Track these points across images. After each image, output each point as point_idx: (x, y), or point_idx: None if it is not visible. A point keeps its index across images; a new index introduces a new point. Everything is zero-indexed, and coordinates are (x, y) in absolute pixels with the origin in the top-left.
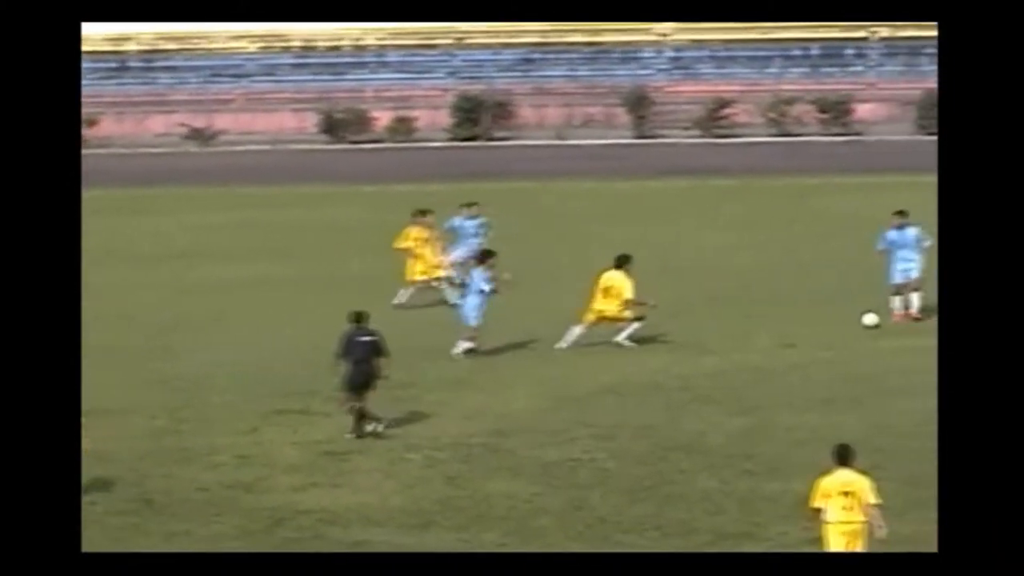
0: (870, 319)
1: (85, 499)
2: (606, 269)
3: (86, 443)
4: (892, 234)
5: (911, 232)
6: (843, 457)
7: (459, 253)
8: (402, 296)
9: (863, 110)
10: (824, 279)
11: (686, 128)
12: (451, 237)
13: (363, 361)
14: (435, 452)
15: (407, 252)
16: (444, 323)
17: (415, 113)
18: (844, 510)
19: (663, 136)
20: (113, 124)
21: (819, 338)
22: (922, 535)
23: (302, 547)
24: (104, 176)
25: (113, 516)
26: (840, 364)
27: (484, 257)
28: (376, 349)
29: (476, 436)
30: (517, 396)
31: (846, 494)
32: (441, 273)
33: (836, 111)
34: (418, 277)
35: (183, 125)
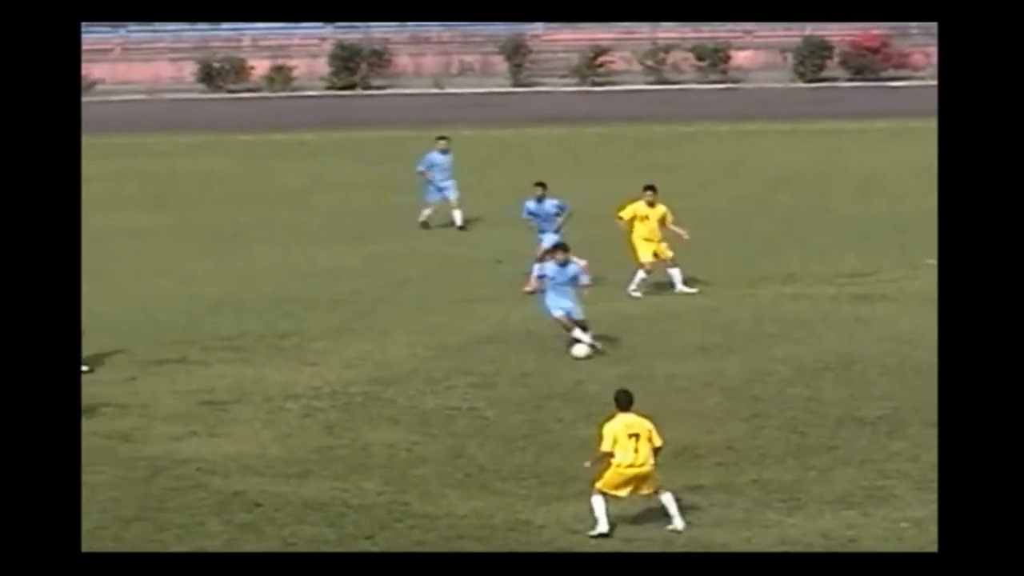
0: (580, 351)
1: None
2: (632, 200)
3: None
4: (531, 205)
5: (549, 204)
6: (625, 402)
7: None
8: None
9: (740, 57)
10: (700, 226)
11: (563, 76)
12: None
13: None
14: (314, 401)
15: None
16: (324, 273)
17: (293, 62)
18: (634, 453)
19: (540, 84)
20: None
21: (695, 285)
22: (804, 482)
23: (181, 496)
24: None
25: None
26: (716, 311)
27: (556, 250)
28: None
29: (355, 385)
30: (397, 344)
31: (632, 436)
32: None
33: (713, 59)
34: None
35: None
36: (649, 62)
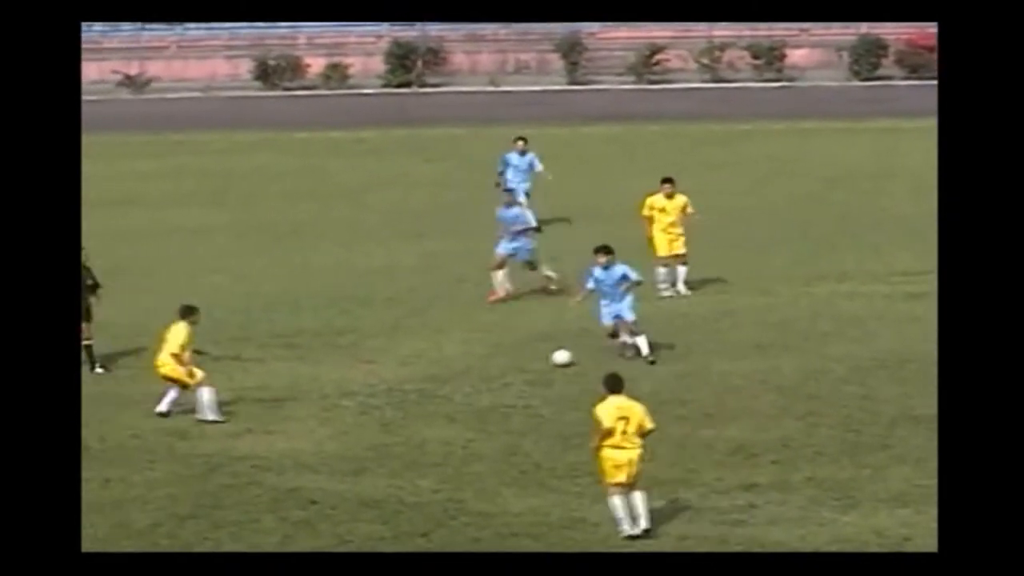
0: (561, 357)
1: None
2: (651, 192)
3: None
4: (500, 211)
5: (512, 213)
6: (614, 386)
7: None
8: None
9: (796, 56)
10: (755, 224)
11: (619, 74)
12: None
13: None
14: (370, 399)
15: None
16: (380, 270)
17: (349, 59)
18: (622, 435)
19: (596, 82)
20: None
21: (750, 284)
22: (859, 480)
23: (237, 494)
24: None
25: None
26: (772, 310)
27: (598, 253)
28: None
29: (411, 382)
30: (452, 342)
31: (622, 419)
32: None
33: (769, 57)
34: None
35: (116, 72)
36: (705, 60)
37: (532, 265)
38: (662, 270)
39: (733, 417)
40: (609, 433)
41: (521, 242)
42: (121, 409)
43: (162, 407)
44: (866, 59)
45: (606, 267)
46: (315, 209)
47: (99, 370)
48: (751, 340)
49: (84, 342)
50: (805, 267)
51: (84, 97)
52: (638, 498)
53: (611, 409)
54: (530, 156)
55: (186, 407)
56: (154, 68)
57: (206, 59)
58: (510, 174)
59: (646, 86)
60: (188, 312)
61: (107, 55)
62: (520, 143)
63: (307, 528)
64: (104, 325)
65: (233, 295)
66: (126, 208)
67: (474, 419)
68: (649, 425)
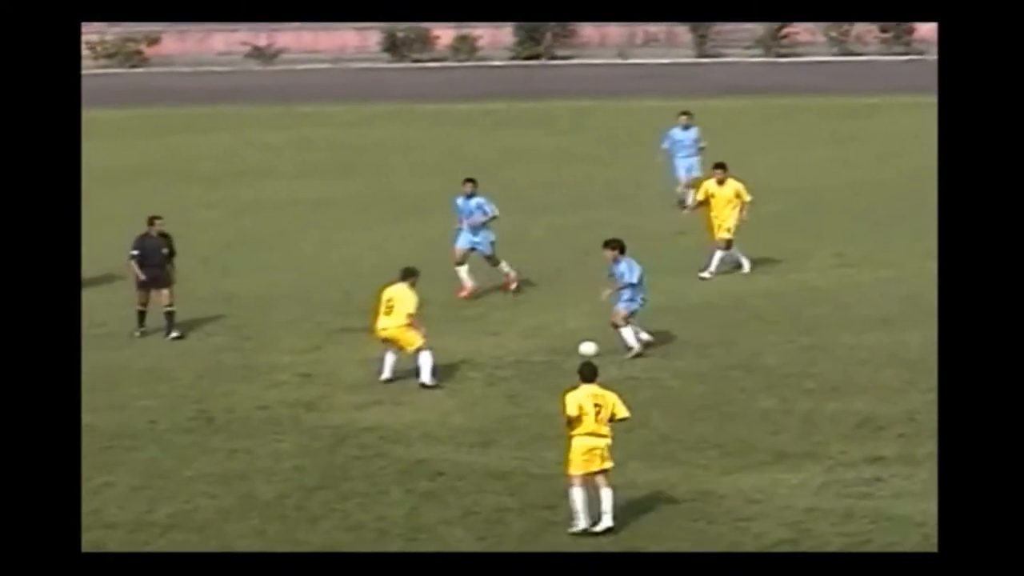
0: (588, 348)
1: (147, 416)
2: (707, 177)
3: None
4: (459, 201)
5: (474, 202)
6: (589, 374)
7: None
8: None
9: (924, 29)
10: (882, 198)
11: (747, 47)
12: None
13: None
14: (496, 370)
15: None
16: (506, 242)
17: (477, 31)
18: (595, 422)
19: (724, 55)
20: (175, 43)
21: (877, 258)
22: None
23: (364, 465)
24: (165, 95)
25: (175, 434)
26: (899, 283)
27: (604, 248)
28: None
29: (537, 355)
30: (577, 315)
31: (596, 406)
32: None
33: (897, 30)
34: None
35: (245, 43)
36: (833, 33)
37: (492, 260)
38: (719, 254)
39: (860, 390)
40: (576, 420)
41: (482, 235)
42: (246, 381)
43: (386, 374)
44: None
45: (616, 263)
46: (442, 181)
47: (174, 334)
48: (877, 314)
49: (165, 309)
50: (932, 241)
51: (212, 68)
52: (606, 495)
53: (581, 397)
54: (694, 131)
55: (320, 379)
56: (283, 40)
57: (335, 31)
58: (678, 150)
59: (774, 59)
60: (410, 274)
61: (236, 26)
62: (684, 118)
63: (434, 499)
64: (228, 297)
65: (360, 267)
66: (253, 179)
67: None
68: (623, 413)
